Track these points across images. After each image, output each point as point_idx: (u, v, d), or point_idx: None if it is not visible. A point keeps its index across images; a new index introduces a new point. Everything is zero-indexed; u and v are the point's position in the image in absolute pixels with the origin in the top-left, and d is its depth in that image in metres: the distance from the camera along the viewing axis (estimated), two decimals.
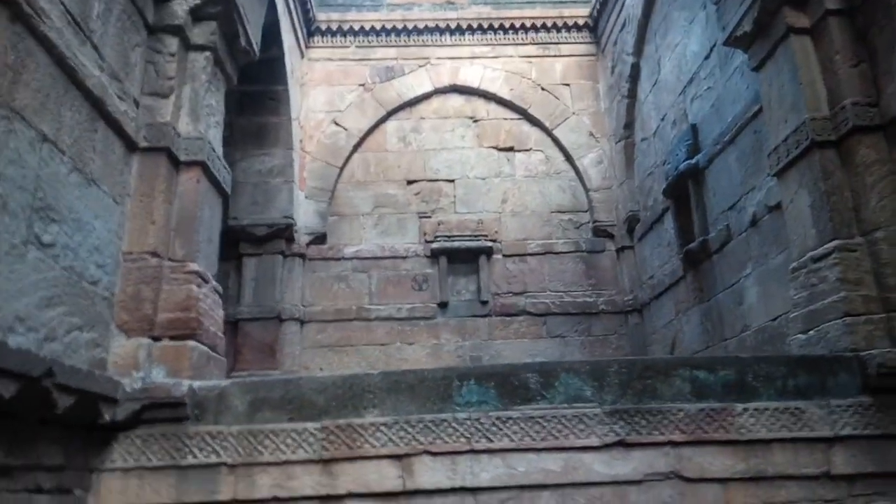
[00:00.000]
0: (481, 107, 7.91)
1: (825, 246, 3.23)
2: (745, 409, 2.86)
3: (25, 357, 2.07)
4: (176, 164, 3.27)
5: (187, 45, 3.44)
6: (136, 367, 2.84)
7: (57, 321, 2.45)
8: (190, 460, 2.76)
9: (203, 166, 3.35)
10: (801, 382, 2.91)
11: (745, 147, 4.59)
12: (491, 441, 2.82)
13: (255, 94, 6.78)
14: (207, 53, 3.50)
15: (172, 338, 2.99)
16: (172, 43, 3.34)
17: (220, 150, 3.63)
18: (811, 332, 3.29)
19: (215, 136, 3.60)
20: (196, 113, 3.40)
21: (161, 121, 3.21)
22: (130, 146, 3.09)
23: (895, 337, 2.98)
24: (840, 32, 3.33)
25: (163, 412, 2.75)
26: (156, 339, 2.97)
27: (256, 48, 4.01)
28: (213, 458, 2.77)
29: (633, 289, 7.13)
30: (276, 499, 2.77)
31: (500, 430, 2.83)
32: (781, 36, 3.50)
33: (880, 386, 2.88)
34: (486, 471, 2.81)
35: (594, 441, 2.81)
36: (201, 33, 3.48)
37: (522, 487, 2.80)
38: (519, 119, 7.89)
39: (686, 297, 5.75)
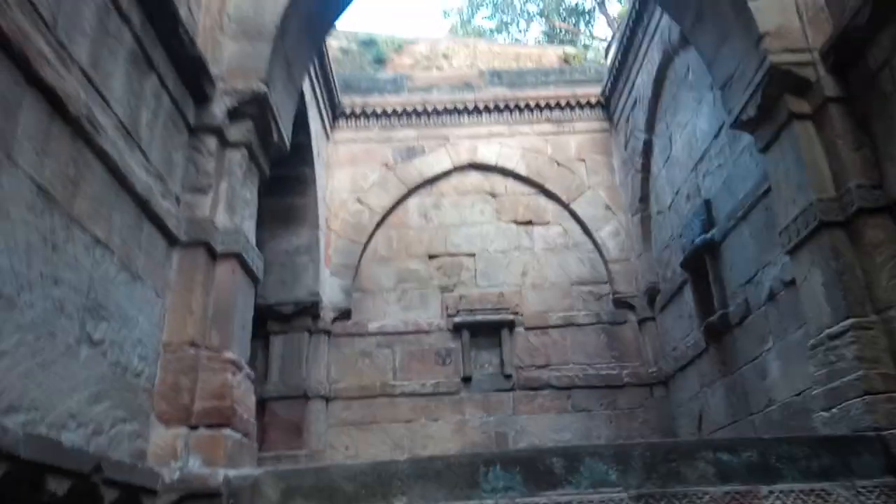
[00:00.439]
0: (499, 182, 8.17)
1: (841, 324, 3.29)
2: (771, 492, 2.86)
3: (77, 455, 2.20)
4: (213, 256, 3.46)
5: (224, 143, 3.69)
6: (175, 457, 2.94)
7: (104, 415, 2.58)
8: None
9: (238, 257, 3.54)
10: (824, 463, 2.92)
11: (758, 223, 4.71)
12: None
13: (284, 177, 7.07)
14: (243, 150, 3.76)
15: (208, 426, 3.10)
16: (211, 142, 3.61)
17: (253, 240, 3.83)
18: (834, 410, 3.31)
19: (249, 227, 3.82)
20: (232, 206, 3.62)
21: (200, 216, 3.43)
22: (172, 241, 3.30)
23: None
24: (840, 118, 3.50)
25: (200, 502, 2.83)
26: (193, 427, 3.08)
27: (288, 141, 4.28)
28: None
29: (656, 360, 7.13)
30: None
31: None
32: (784, 121, 3.68)
33: None
34: None
35: None
36: (238, 132, 3.74)
37: None
38: (536, 193, 8.11)
39: (710, 370, 5.75)
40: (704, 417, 5.93)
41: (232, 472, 2.96)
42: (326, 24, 4.70)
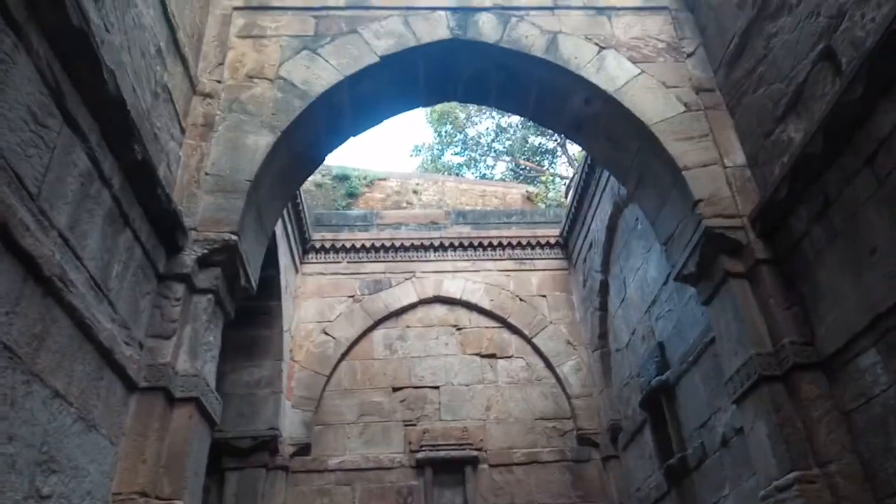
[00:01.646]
0: (464, 316, 8.35)
1: (786, 477, 3.39)
2: None
3: None
4: (171, 401, 3.48)
5: (192, 289, 3.82)
6: None
7: None
8: None
9: (197, 402, 3.56)
10: None
11: (708, 368, 4.90)
12: None
13: (250, 308, 7.13)
14: (210, 296, 3.88)
15: None
16: (179, 288, 3.74)
17: (213, 383, 3.86)
18: None
19: (210, 370, 3.86)
20: (195, 351, 3.69)
21: (161, 361, 3.49)
22: (131, 387, 3.33)
23: None
24: (771, 279, 3.79)
25: None
26: None
27: (255, 283, 4.42)
28: None
29: (622, 501, 7.02)
30: None
31: None
32: (721, 279, 3.96)
33: None
34: None
35: None
36: (206, 278, 3.88)
37: None
38: (500, 327, 8.29)
39: None
40: None
41: None
42: (300, 176, 5.02)
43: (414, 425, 7.64)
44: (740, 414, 3.92)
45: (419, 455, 7.35)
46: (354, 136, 5.00)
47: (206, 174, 4.10)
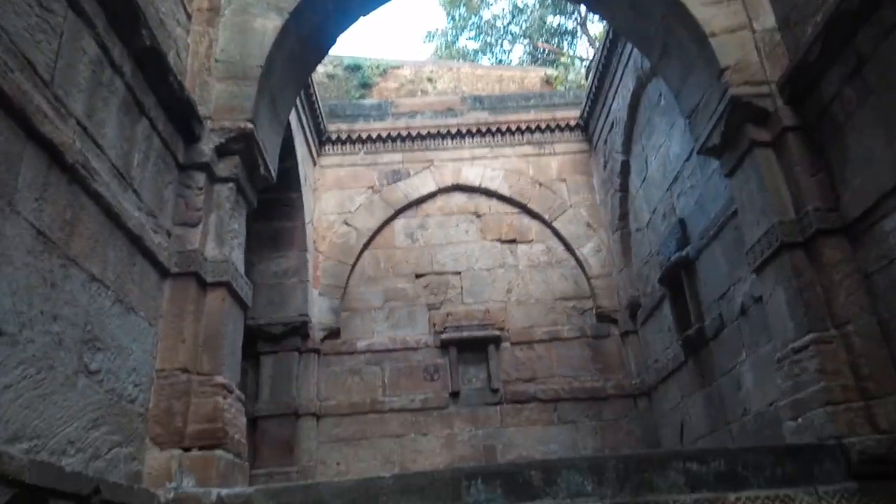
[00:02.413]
0: (483, 203, 8.36)
1: (803, 339, 3.48)
2: (738, 499, 3.03)
3: (77, 478, 2.34)
4: (203, 285, 3.61)
5: (213, 179, 3.86)
6: (169, 478, 3.08)
7: (101, 440, 2.72)
8: None
9: (228, 286, 3.69)
10: (788, 471, 3.09)
11: (729, 241, 4.91)
12: None
13: (272, 200, 7.22)
14: (231, 184, 3.92)
15: (201, 448, 3.24)
16: (200, 178, 3.77)
17: (242, 269, 3.98)
18: (800, 420, 3.49)
19: (238, 256, 3.97)
20: (221, 238, 3.78)
21: (190, 248, 3.59)
22: (163, 273, 3.45)
23: (876, 423, 3.17)
24: (798, 146, 3.71)
25: None
26: (186, 449, 3.22)
27: (274, 173, 4.45)
28: None
29: (639, 372, 7.30)
30: None
31: None
32: (747, 148, 3.88)
33: (863, 472, 3.05)
34: None
35: None
36: (225, 167, 3.91)
37: None
38: (519, 213, 8.31)
39: (689, 381, 5.92)
40: (686, 427, 6.10)
41: (224, 491, 3.09)
42: (311, 62, 4.89)
43: (437, 309, 7.88)
44: (760, 282, 3.97)
45: (443, 336, 7.63)
46: (364, 14, 4.81)
47: (217, 61, 4.02)
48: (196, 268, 3.54)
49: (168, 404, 3.26)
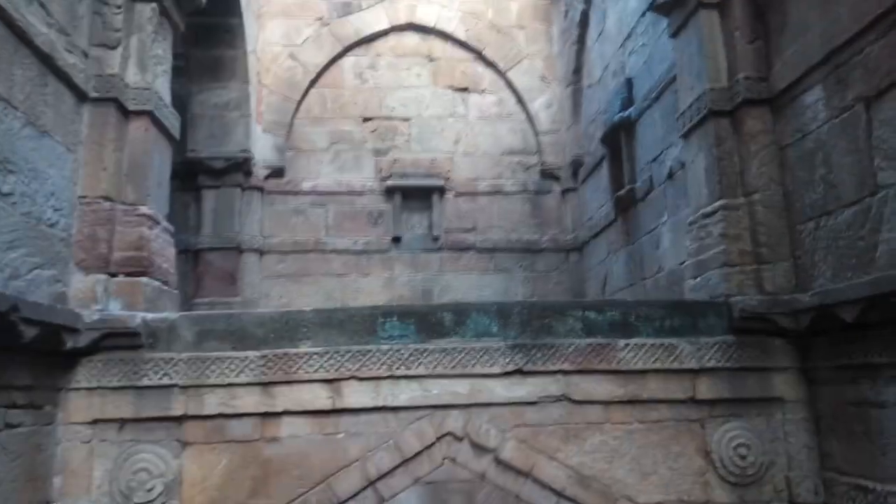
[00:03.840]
0: (437, 46, 8.06)
1: (713, 204, 3.65)
2: (627, 345, 3.34)
3: None
4: (125, 113, 3.50)
5: None
6: (95, 301, 3.19)
7: (19, 261, 2.77)
8: (146, 382, 3.16)
9: (151, 116, 3.58)
10: (676, 323, 3.40)
11: (668, 105, 4.94)
12: (409, 368, 3.27)
13: (210, 25, 6.79)
14: (153, 4, 3.66)
15: (127, 274, 3.33)
16: None
17: (168, 98, 3.84)
18: (698, 279, 3.77)
19: (163, 84, 3.81)
20: (143, 63, 3.60)
21: (109, 72, 3.42)
22: (81, 97, 3.32)
23: (762, 286, 3.45)
24: (741, 9, 3.64)
25: (120, 340, 3.13)
26: (112, 275, 3.30)
27: None
28: (167, 380, 3.17)
29: (575, 229, 7.59)
30: (222, 415, 3.21)
31: (418, 359, 3.28)
32: (693, 8, 3.80)
33: (742, 327, 3.37)
34: (405, 393, 3.27)
35: (497, 370, 3.28)
36: None
37: (435, 407, 3.28)
38: (474, 60, 8.08)
39: (616, 239, 6.22)
40: (608, 280, 6.50)
41: (150, 315, 3.24)
42: None
43: (384, 155, 7.86)
44: (685, 148, 4.07)
45: (389, 182, 7.69)
46: None
47: None
48: (116, 93, 3.40)
49: (92, 230, 3.29)
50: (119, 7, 3.48)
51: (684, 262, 4.62)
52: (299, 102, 7.73)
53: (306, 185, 7.67)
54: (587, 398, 3.33)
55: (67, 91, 3.19)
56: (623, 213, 5.99)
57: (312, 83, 7.78)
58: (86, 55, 3.35)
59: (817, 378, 3.31)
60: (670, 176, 4.92)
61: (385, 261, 7.67)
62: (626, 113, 5.67)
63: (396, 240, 7.66)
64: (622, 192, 5.81)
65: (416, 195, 7.72)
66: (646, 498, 3.25)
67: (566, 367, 3.31)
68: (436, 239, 7.68)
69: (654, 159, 5.24)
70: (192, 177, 7.00)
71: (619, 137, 5.88)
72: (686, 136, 3.99)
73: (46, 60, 2.96)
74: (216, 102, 7.09)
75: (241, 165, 7.10)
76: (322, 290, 7.50)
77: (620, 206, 5.96)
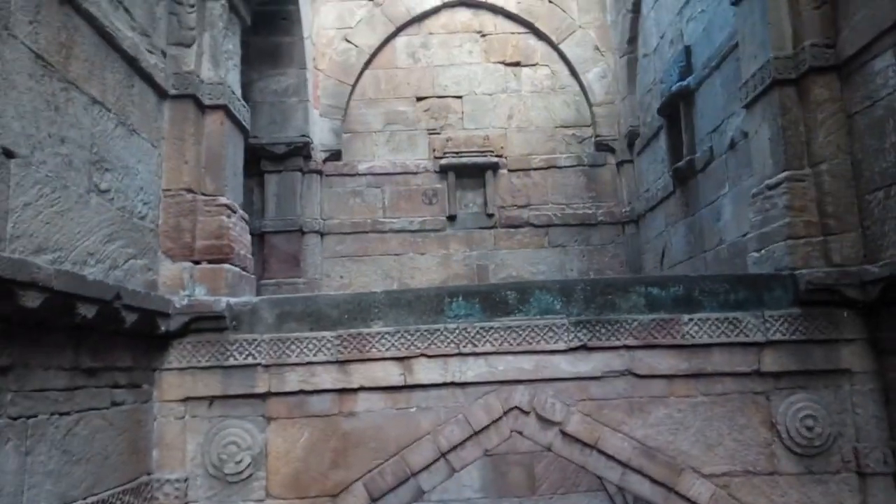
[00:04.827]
0: (489, 21, 8.04)
1: (778, 176, 3.62)
2: (691, 319, 3.39)
3: (100, 286, 2.64)
4: (202, 108, 3.71)
5: None
6: (182, 287, 3.43)
7: (117, 253, 3.01)
8: (232, 361, 3.39)
9: (225, 109, 3.78)
10: (740, 297, 3.42)
11: (729, 73, 4.85)
12: (476, 346, 3.40)
13: (269, 13, 6.97)
14: (223, 1, 3.84)
15: (210, 261, 3.56)
16: None
17: (238, 92, 4.03)
18: (763, 252, 3.76)
19: (234, 78, 4.00)
20: (216, 59, 3.79)
21: (186, 69, 3.63)
22: (162, 95, 3.53)
23: (830, 258, 3.43)
24: None
25: (207, 323, 3.36)
26: (196, 262, 3.54)
27: None
28: (251, 360, 3.39)
29: (630, 201, 7.54)
30: (302, 391, 3.42)
31: (484, 337, 3.41)
32: None
33: (808, 300, 3.37)
34: (472, 369, 3.42)
35: (561, 346, 3.38)
36: None
37: (501, 382, 3.42)
38: (526, 33, 8.02)
39: (675, 210, 6.17)
40: (667, 253, 6.46)
41: (233, 300, 3.46)
42: None
43: (438, 133, 7.94)
44: (748, 118, 4.02)
45: (443, 161, 7.77)
46: None
47: None
48: (193, 90, 3.61)
49: (176, 221, 3.52)
50: (192, 6, 3.66)
51: (747, 234, 4.58)
52: (354, 85, 7.87)
53: (362, 167, 7.84)
54: (651, 372, 3.40)
55: (150, 90, 3.40)
56: (682, 184, 5.93)
57: (366, 65, 7.90)
58: (164, 54, 3.55)
59: (886, 349, 3.29)
60: (732, 146, 4.86)
61: (440, 239, 7.79)
62: (685, 82, 5.59)
63: (451, 218, 7.76)
64: (681, 162, 5.75)
65: (469, 173, 7.79)
66: (711, 469, 3.32)
67: (630, 342, 3.38)
68: (490, 216, 7.75)
69: (715, 129, 5.16)
70: (255, 162, 7.23)
71: (677, 107, 5.80)
72: (749, 105, 3.94)
73: (132, 63, 3.16)
74: (275, 89, 7.29)
75: (301, 150, 7.30)
76: (380, 269, 7.70)
77: (679, 177, 5.90)
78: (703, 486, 3.28)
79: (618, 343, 3.37)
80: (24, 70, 2.35)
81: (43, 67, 2.47)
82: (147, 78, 3.34)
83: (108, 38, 2.95)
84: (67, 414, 2.61)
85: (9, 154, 2.26)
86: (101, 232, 2.88)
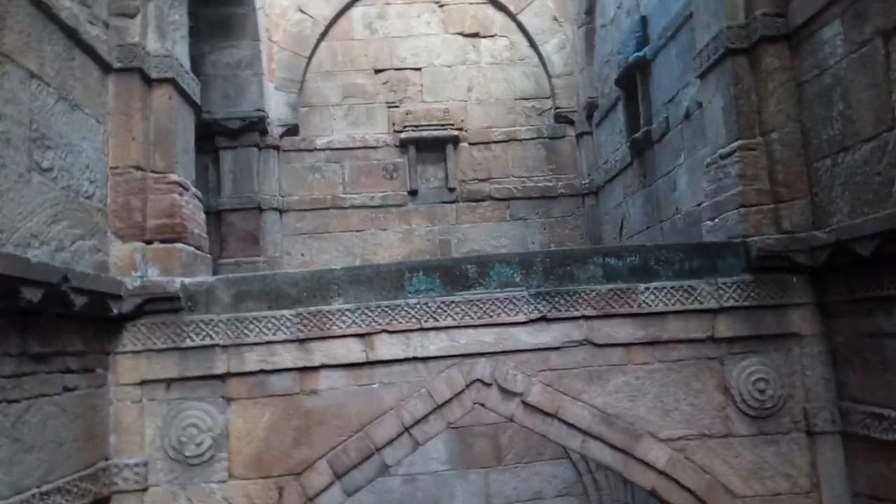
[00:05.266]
0: None
1: (731, 145, 3.68)
2: (647, 288, 3.44)
3: (45, 268, 2.55)
4: (148, 82, 3.56)
5: None
6: (134, 268, 3.33)
7: (63, 234, 2.90)
8: (188, 343, 3.32)
9: (174, 83, 3.64)
10: (694, 265, 3.48)
11: (684, 43, 4.89)
12: (437, 320, 3.40)
13: None
14: None
15: (162, 241, 3.46)
16: None
17: (187, 64, 3.89)
18: (716, 220, 3.83)
19: (182, 50, 3.86)
20: (162, 30, 3.64)
21: (130, 41, 3.47)
22: (106, 68, 3.38)
23: (780, 225, 3.51)
24: None
25: (161, 305, 3.28)
26: (148, 242, 3.43)
27: None
28: (208, 341, 3.33)
29: (590, 173, 7.60)
30: (263, 371, 3.38)
31: (445, 311, 3.41)
32: None
33: (759, 266, 3.45)
34: (434, 344, 3.42)
35: (521, 317, 3.41)
36: None
37: (463, 356, 3.43)
38: (484, 3, 7.95)
39: (632, 182, 6.25)
40: (625, 224, 6.56)
41: (188, 280, 3.38)
42: None
43: (397, 107, 7.85)
44: (702, 88, 4.07)
45: (403, 135, 7.70)
46: None
47: None
48: (139, 63, 3.46)
49: (125, 200, 3.40)
50: None
51: (701, 203, 4.66)
52: (310, 58, 7.70)
53: (321, 142, 7.72)
54: (609, 341, 3.46)
55: (93, 63, 3.25)
56: (639, 155, 6.00)
57: (322, 36, 7.73)
58: (107, 25, 3.39)
59: (833, 313, 3.40)
60: (687, 116, 4.92)
61: (402, 214, 7.76)
62: (641, 53, 5.62)
63: (413, 193, 7.72)
64: (638, 134, 5.81)
65: (430, 147, 7.74)
66: (668, 433, 3.40)
67: (588, 312, 3.42)
68: (451, 190, 7.73)
69: (671, 100, 5.21)
70: (209, 138, 7.03)
71: (634, 78, 5.84)
72: (703, 75, 3.98)
73: (72, 34, 3.01)
74: (228, 62, 7.08)
75: (257, 125, 7.13)
76: (342, 246, 7.63)
77: (636, 148, 5.97)
78: (661, 450, 3.36)
79: (577, 313, 3.41)
80: None
81: None
82: (89, 50, 3.19)
83: (44, 9, 2.79)
84: (16, 401, 2.53)
85: None
86: (45, 212, 2.77)
